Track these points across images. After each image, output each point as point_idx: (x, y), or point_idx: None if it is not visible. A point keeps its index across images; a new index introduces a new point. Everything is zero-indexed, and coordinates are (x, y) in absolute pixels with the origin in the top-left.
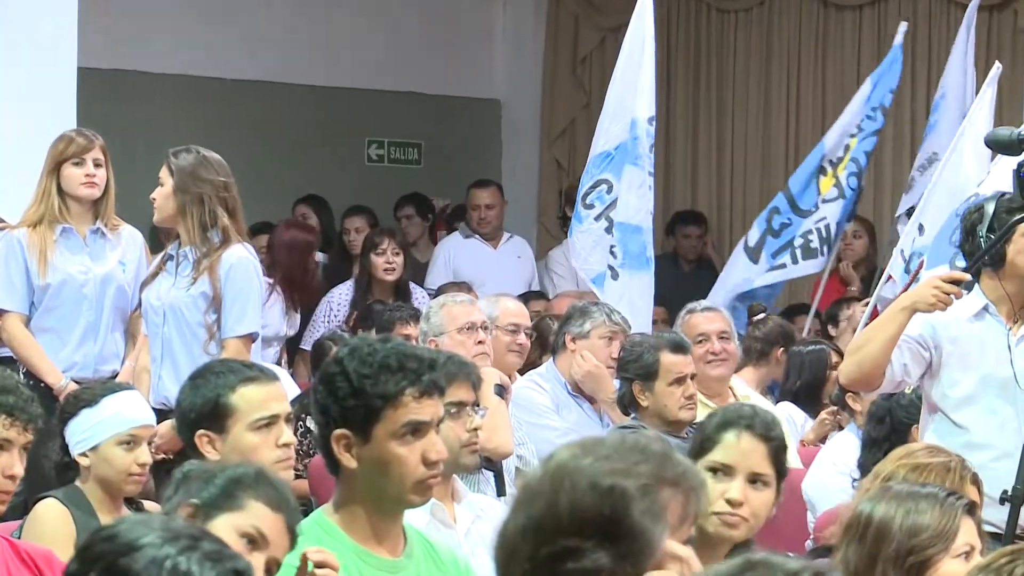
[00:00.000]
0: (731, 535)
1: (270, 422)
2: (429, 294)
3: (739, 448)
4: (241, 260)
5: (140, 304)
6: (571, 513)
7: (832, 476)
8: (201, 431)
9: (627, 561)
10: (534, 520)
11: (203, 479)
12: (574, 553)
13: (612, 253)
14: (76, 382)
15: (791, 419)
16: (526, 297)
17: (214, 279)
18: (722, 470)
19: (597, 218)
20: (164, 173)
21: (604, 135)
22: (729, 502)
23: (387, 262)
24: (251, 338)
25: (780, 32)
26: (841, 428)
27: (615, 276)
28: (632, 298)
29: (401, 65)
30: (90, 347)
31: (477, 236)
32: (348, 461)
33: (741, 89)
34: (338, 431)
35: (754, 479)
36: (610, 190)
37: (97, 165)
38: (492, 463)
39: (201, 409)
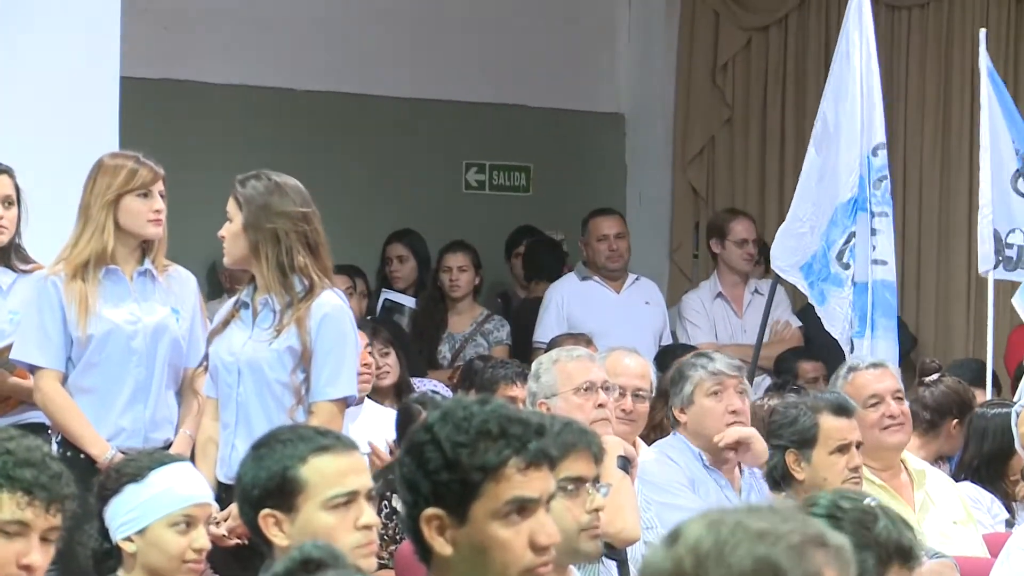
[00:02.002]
0: None
1: (348, 500)
2: (539, 348)
3: None
4: (335, 309)
5: (204, 360)
6: None
7: None
8: (266, 510)
9: None
10: None
11: None
12: None
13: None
14: (123, 452)
15: (977, 501)
16: (668, 352)
17: (303, 332)
18: None
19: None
20: (232, 206)
21: (848, 176)
22: None
23: (376, 367)
24: (345, 402)
25: (963, 28)
26: None
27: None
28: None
29: (505, 73)
30: (140, 411)
31: (596, 278)
32: (441, 546)
33: (915, 95)
34: (429, 511)
35: None
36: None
37: (162, 198)
38: (615, 551)
39: (266, 485)
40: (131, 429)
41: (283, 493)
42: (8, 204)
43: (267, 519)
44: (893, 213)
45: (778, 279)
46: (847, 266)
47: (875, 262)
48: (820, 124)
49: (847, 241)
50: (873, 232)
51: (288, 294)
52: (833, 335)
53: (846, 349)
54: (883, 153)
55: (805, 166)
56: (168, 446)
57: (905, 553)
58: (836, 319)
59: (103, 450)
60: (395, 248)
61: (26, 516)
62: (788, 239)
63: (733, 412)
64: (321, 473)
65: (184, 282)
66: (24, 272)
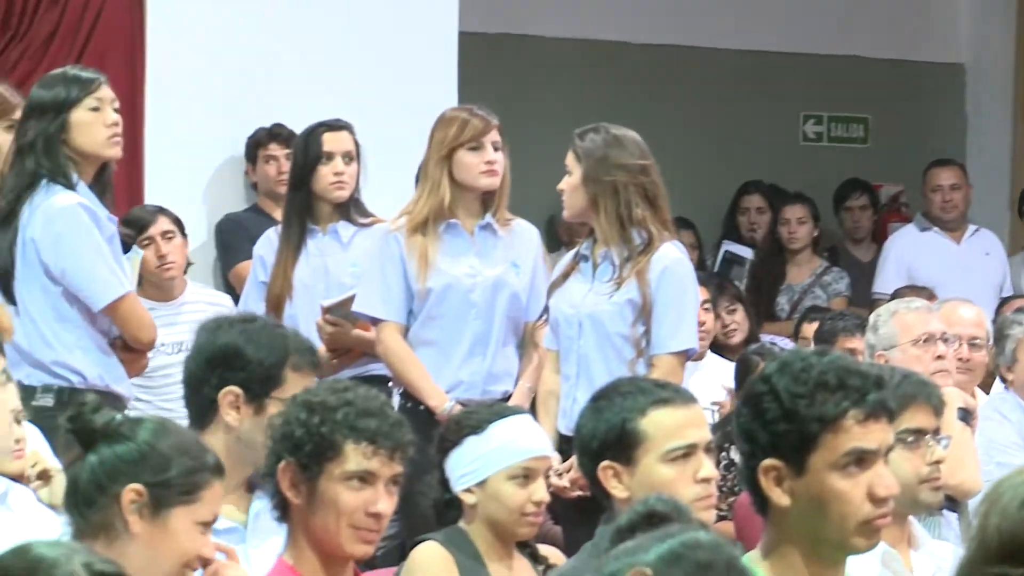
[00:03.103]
0: None
1: (687, 452)
2: (879, 299)
3: None
4: (675, 262)
5: (543, 314)
6: (999, 537)
7: None
8: (605, 463)
9: None
10: (968, 553)
11: (659, 537)
12: None
13: None
14: (461, 404)
15: None
16: (1008, 303)
17: (643, 284)
18: None
19: None
20: (571, 159)
21: None
22: None
23: (723, 326)
24: (686, 355)
25: None
26: None
27: None
28: None
29: (843, 24)
30: (478, 363)
31: (936, 229)
32: (779, 497)
33: None
34: (767, 462)
35: None
36: None
37: (496, 149)
38: (955, 503)
39: (605, 437)
40: (469, 381)
41: (622, 445)
42: (349, 159)
43: (606, 471)
44: None
45: None
46: None
47: None
48: None
49: None
50: None
51: (627, 247)
52: None
53: None
54: None
55: None
56: (507, 398)
57: None
58: None
59: (442, 401)
60: (753, 199)
61: (372, 466)
62: None
63: None
64: (660, 426)
65: (526, 236)
66: (363, 226)
